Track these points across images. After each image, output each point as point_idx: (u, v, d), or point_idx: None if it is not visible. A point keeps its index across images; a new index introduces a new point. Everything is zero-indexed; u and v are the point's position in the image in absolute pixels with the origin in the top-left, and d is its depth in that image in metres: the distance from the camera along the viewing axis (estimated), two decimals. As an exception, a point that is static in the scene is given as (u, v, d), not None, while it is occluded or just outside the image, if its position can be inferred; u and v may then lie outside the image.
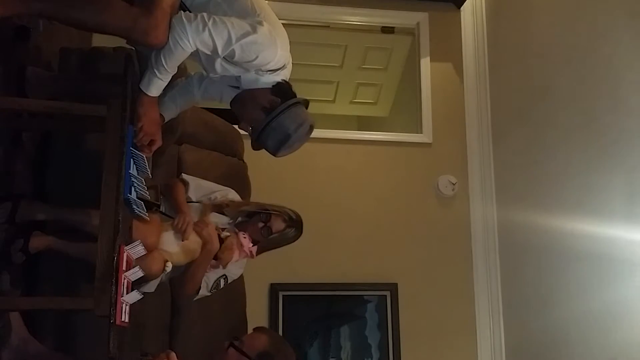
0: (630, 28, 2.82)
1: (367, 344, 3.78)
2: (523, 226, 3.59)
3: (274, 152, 2.17)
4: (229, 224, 2.53)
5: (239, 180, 3.08)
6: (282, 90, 2.12)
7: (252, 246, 2.45)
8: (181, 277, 2.38)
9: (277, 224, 2.49)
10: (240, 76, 2.12)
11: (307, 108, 2.20)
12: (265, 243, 2.52)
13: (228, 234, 2.40)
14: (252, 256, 2.47)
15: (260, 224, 2.48)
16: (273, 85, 2.11)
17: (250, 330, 3.18)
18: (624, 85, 2.83)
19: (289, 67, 2.18)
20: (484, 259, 3.92)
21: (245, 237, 2.43)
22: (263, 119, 2.10)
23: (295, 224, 2.52)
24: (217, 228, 2.38)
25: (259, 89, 2.11)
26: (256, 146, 2.20)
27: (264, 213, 2.51)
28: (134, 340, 2.40)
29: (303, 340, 3.74)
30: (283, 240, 2.54)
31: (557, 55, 3.40)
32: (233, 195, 2.64)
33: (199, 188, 2.57)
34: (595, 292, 2.94)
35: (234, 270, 2.58)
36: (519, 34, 3.85)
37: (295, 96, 2.15)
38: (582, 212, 3.05)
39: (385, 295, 3.81)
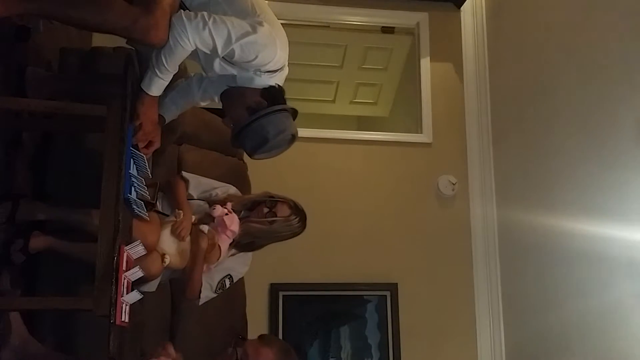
0: (630, 27, 2.82)
1: (367, 344, 3.78)
2: (523, 226, 3.59)
3: (250, 154, 2.18)
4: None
5: (239, 180, 3.08)
6: (272, 94, 2.12)
7: (226, 214, 2.30)
8: (182, 283, 2.36)
9: (283, 210, 2.47)
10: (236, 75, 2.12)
11: (294, 118, 2.19)
12: (269, 230, 2.49)
13: (205, 226, 2.29)
14: (224, 225, 2.31)
15: (266, 209, 2.47)
16: (264, 88, 2.11)
17: (250, 331, 3.18)
18: (624, 84, 2.83)
19: (286, 70, 2.18)
20: (484, 259, 3.92)
21: (214, 208, 2.31)
22: (245, 119, 2.10)
23: (300, 213, 2.50)
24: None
25: (250, 88, 2.11)
26: (234, 144, 2.19)
27: (270, 200, 2.50)
28: (134, 340, 2.40)
29: (303, 340, 3.74)
30: (287, 230, 2.48)
31: (557, 55, 3.40)
32: (234, 191, 2.63)
33: (199, 185, 2.56)
34: (595, 292, 2.94)
35: (238, 268, 2.56)
36: (519, 34, 3.85)
37: (285, 103, 2.15)
38: (582, 212, 3.05)
39: (385, 295, 3.81)
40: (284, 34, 2.12)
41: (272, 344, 2.25)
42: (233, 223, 2.33)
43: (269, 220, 2.45)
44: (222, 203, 2.41)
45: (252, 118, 2.09)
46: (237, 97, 2.13)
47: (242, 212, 2.51)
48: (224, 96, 2.20)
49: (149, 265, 2.10)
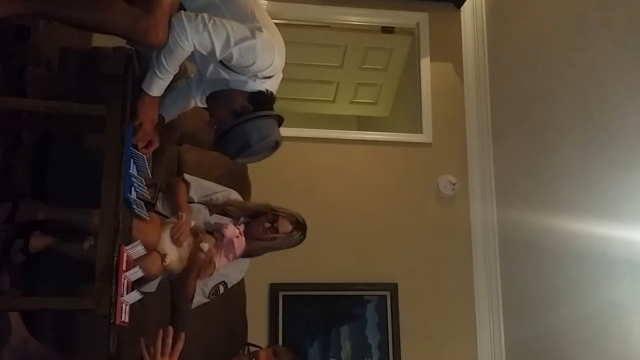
0: (628, 27, 2.82)
1: (367, 344, 3.78)
2: (523, 226, 3.59)
3: (232, 157, 2.17)
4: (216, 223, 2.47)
5: (239, 180, 3.08)
6: (259, 99, 2.10)
7: (237, 237, 2.35)
8: (177, 286, 2.37)
9: (285, 226, 2.48)
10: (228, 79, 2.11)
11: (280, 125, 2.19)
12: (269, 245, 2.50)
13: (206, 245, 2.32)
14: (232, 248, 2.36)
15: (267, 224, 2.48)
16: (252, 92, 2.10)
17: (250, 331, 3.18)
18: (623, 84, 2.83)
19: (280, 76, 2.18)
20: (484, 259, 3.92)
21: (227, 227, 2.35)
22: (229, 122, 2.09)
23: (301, 227, 2.52)
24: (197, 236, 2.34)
25: (238, 91, 2.10)
26: (217, 146, 2.18)
27: (272, 214, 2.50)
28: (134, 340, 2.40)
29: (303, 340, 3.73)
30: (288, 244, 2.53)
31: (556, 55, 3.40)
32: (235, 196, 2.63)
33: (200, 188, 2.56)
34: (595, 292, 2.94)
35: (233, 274, 2.57)
36: (519, 34, 3.85)
37: (272, 110, 2.14)
38: (582, 212, 3.05)
39: (385, 295, 3.81)
40: (281, 41, 2.12)
41: (287, 358, 2.30)
42: (240, 247, 2.37)
43: (271, 237, 2.46)
44: (234, 222, 2.43)
45: (236, 122, 2.07)
46: (224, 100, 2.12)
47: (242, 219, 2.52)
48: (210, 97, 2.19)
49: (149, 265, 2.10)
